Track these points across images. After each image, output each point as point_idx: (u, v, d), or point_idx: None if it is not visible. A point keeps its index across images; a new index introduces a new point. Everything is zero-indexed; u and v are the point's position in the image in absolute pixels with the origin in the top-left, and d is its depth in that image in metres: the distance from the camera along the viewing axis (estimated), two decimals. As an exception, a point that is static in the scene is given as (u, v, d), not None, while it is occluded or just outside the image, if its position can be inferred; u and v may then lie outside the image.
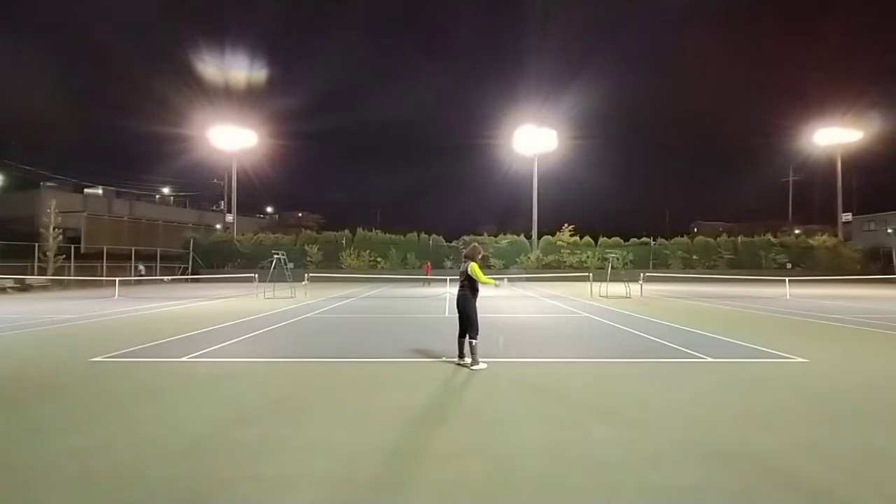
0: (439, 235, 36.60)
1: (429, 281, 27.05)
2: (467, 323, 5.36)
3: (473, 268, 5.40)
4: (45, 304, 14.76)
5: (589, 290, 19.30)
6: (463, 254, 5.64)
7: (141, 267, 29.72)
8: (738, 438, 3.23)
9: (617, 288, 18.67)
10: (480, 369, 5.20)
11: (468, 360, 5.44)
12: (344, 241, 35.54)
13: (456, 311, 5.50)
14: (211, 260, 33.91)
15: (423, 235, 36.39)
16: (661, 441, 3.18)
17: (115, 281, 18.93)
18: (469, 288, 5.43)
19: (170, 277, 30.22)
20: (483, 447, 3.11)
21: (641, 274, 20.12)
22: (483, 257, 5.60)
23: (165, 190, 55.45)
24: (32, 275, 23.41)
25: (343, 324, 9.61)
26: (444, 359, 5.86)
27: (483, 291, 5.67)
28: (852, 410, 3.89)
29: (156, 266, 32.25)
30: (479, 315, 5.44)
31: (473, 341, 5.29)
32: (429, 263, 29.91)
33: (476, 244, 5.78)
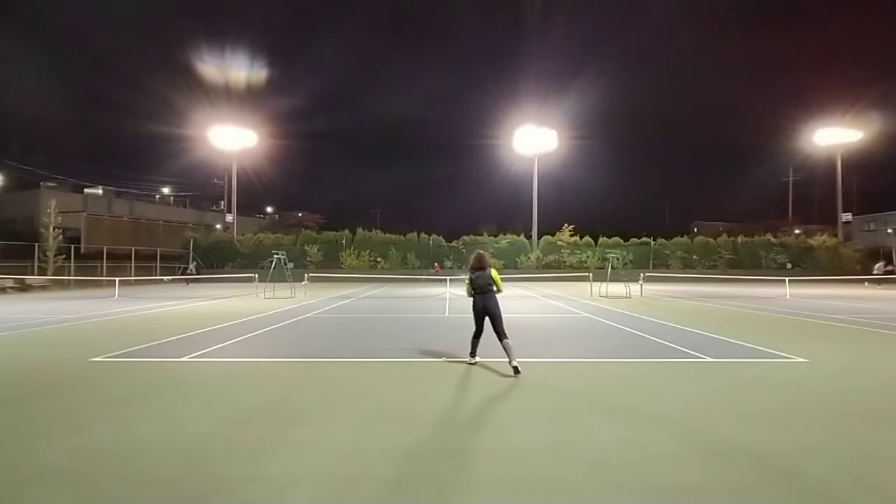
0: (439, 235, 36.55)
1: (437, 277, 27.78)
2: (496, 326, 5.31)
3: (496, 274, 5.47)
4: (45, 304, 14.75)
5: (589, 290, 19.29)
6: (474, 264, 5.55)
7: (191, 267, 29.70)
8: (739, 438, 3.23)
9: (617, 288, 18.66)
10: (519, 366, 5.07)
11: (478, 358, 5.56)
12: (344, 241, 35.50)
13: (477, 313, 5.46)
14: (211, 260, 33.90)
15: (423, 235, 36.34)
16: (662, 441, 3.18)
17: (115, 281, 18.94)
18: (493, 292, 5.45)
19: (170, 277, 30.21)
20: (483, 447, 3.11)
21: (641, 274, 20.12)
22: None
23: (165, 190, 55.41)
24: (32, 275, 23.40)
25: (343, 324, 9.61)
26: (444, 359, 5.86)
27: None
28: (852, 410, 3.89)
29: (156, 266, 32.26)
30: (477, 315, 5.50)
31: (508, 341, 5.22)
32: (438, 264, 30.82)
33: (482, 252, 5.73)
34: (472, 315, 5.53)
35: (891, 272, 25.39)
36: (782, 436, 3.28)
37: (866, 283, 24.80)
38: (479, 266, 5.51)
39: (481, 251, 5.75)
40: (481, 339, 5.53)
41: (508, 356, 5.12)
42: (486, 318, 5.41)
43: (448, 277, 22.01)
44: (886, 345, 7.12)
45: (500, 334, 5.30)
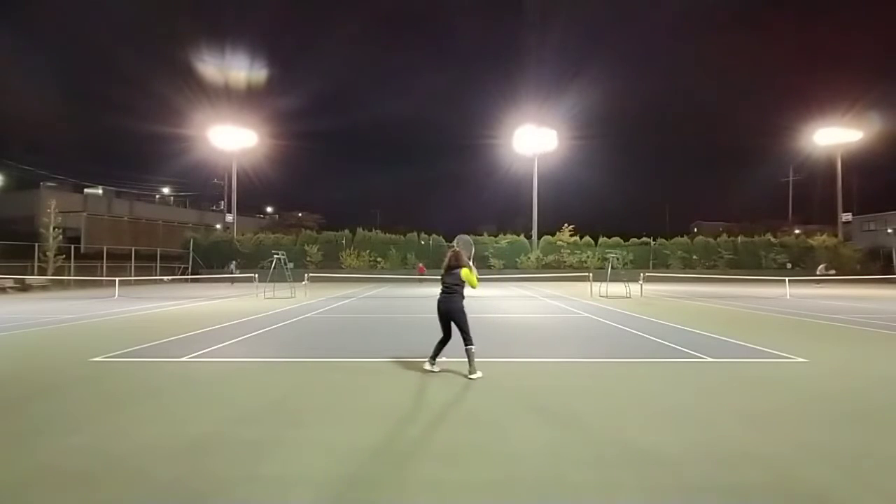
0: (439, 235, 36.58)
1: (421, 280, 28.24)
2: (460, 330, 5.03)
3: (468, 274, 5.10)
4: (45, 304, 14.75)
5: (589, 290, 19.29)
6: (450, 262, 5.17)
7: (232, 266, 29.79)
8: (738, 438, 3.23)
9: (617, 288, 18.66)
10: (478, 377, 4.90)
11: (436, 368, 5.22)
12: (344, 241, 35.54)
13: (439, 316, 5.14)
14: (211, 260, 33.91)
15: (423, 235, 36.39)
16: (661, 441, 3.18)
17: (115, 281, 18.93)
18: (459, 293, 5.11)
19: (170, 277, 30.21)
20: (483, 447, 3.11)
21: (641, 274, 20.12)
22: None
23: (165, 190, 55.47)
24: (32, 275, 23.40)
25: (343, 324, 9.61)
26: (443, 359, 5.85)
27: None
28: (852, 410, 3.89)
29: (156, 266, 32.27)
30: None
31: (472, 347, 4.99)
32: (422, 266, 31.15)
33: (458, 250, 5.29)
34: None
35: (831, 274, 26.33)
36: (782, 436, 3.28)
37: (814, 285, 25.34)
38: (454, 265, 5.14)
39: (457, 249, 5.29)
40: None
41: (469, 364, 4.96)
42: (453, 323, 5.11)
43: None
44: (886, 345, 7.12)
45: (465, 339, 4.99)
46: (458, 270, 5.13)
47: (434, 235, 36.50)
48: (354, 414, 3.81)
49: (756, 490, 2.51)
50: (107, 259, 28.59)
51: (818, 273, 26.67)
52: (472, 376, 4.91)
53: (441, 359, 5.76)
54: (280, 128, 62.07)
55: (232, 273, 28.63)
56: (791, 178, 51.51)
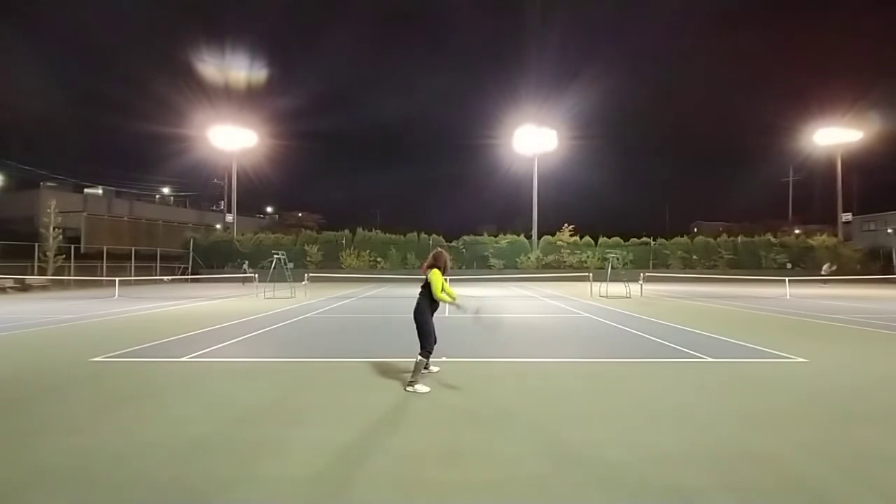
0: (439, 235, 36.56)
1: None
2: (419, 334, 4.61)
3: (433, 276, 4.65)
4: (45, 304, 14.75)
5: (589, 290, 19.29)
6: (429, 262, 4.84)
7: (245, 265, 29.52)
8: (738, 438, 3.23)
9: (617, 288, 18.66)
10: (417, 392, 4.36)
11: (434, 368, 5.03)
12: (344, 241, 35.54)
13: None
14: (211, 260, 33.92)
15: (423, 235, 36.37)
16: (662, 441, 3.19)
17: (115, 281, 18.93)
18: (426, 297, 4.72)
19: (170, 277, 30.21)
20: (483, 447, 3.11)
21: (641, 274, 20.11)
22: (446, 266, 4.80)
23: (165, 190, 55.46)
24: (32, 275, 23.40)
25: (343, 324, 9.61)
26: (444, 358, 5.86)
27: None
28: (852, 410, 3.89)
29: (156, 266, 32.28)
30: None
31: (422, 359, 4.55)
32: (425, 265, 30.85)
33: (441, 250, 4.94)
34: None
35: (833, 271, 26.41)
36: (782, 436, 3.28)
37: (819, 284, 25.26)
38: (431, 264, 4.81)
39: (440, 249, 4.97)
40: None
41: (412, 372, 4.56)
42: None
43: (448, 277, 21.99)
44: (886, 345, 7.12)
45: (421, 344, 4.59)
46: (428, 271, 4.78)
47: (434, 235, 36.49)
48: (354, 414, 3.80)
49: (756, 490, 2.51)
50: (107, 259, 28.58)
51: (822, 272, 26.69)
52: (408, 388, 4.43)
53: (440, 359, 5.76)
54: (280, 128, 61.85)
55: (245, 272, 28.61)
56: (791, 178, 51.57)
